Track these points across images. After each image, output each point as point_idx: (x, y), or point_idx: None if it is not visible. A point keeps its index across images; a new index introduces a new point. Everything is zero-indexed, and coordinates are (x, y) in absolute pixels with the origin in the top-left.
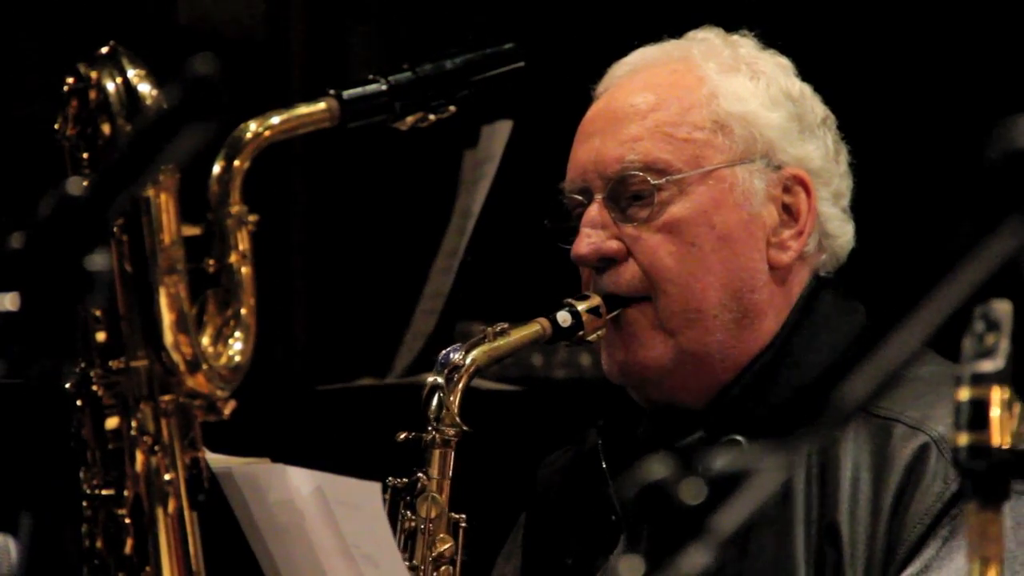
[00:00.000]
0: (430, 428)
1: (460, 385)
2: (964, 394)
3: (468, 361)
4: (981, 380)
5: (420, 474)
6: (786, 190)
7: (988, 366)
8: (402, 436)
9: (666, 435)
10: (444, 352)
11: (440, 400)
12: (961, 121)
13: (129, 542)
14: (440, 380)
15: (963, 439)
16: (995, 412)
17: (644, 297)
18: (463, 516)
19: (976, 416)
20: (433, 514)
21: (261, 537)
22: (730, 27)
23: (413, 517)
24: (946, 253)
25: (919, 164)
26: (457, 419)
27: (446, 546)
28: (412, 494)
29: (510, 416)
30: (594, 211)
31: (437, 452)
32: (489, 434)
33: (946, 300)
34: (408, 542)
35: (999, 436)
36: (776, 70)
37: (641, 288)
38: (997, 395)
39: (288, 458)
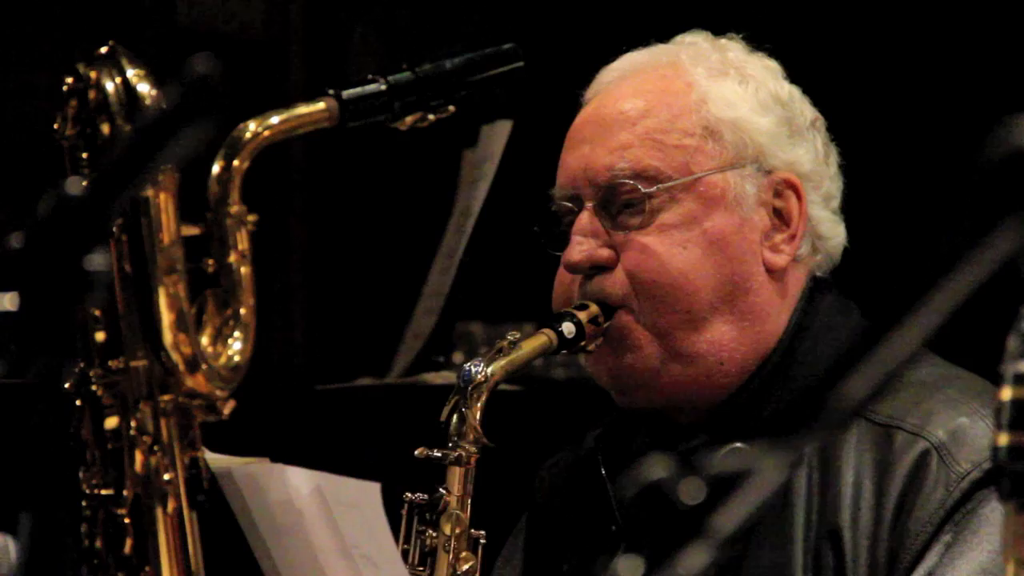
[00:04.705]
0: (451, 445)
1: (481, 402)
2: (1006, 394)
3: (489, 376)
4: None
5: (441, 490)
6: (777, 195)
7: None
8: (424, 454)
9: (666, 441)
10: (465, 368)
11: (462, 416)
12: (957, 121)
13: (128, 542)
14: (461, 397)
15: (1003, 439)
16: None
17: (633, 302)
18: (483, 532)
19: (1017, 416)
20: (457, 532)
21: (260, 537)
22: (717, 30)
23: (435, 534)
24: (945, 253)
25: (916, 164)
26: (480, 435)
27: (469, 564)
28: (433, 511)
29: (510, 416)
30: (585, 219)
31: (459, 469)
32: (488, 434)
33: (945, 300)
34: (428, 559)
35: None
36: (765, 73)
37: (630, 293)
38: None
39: (287, 458)
